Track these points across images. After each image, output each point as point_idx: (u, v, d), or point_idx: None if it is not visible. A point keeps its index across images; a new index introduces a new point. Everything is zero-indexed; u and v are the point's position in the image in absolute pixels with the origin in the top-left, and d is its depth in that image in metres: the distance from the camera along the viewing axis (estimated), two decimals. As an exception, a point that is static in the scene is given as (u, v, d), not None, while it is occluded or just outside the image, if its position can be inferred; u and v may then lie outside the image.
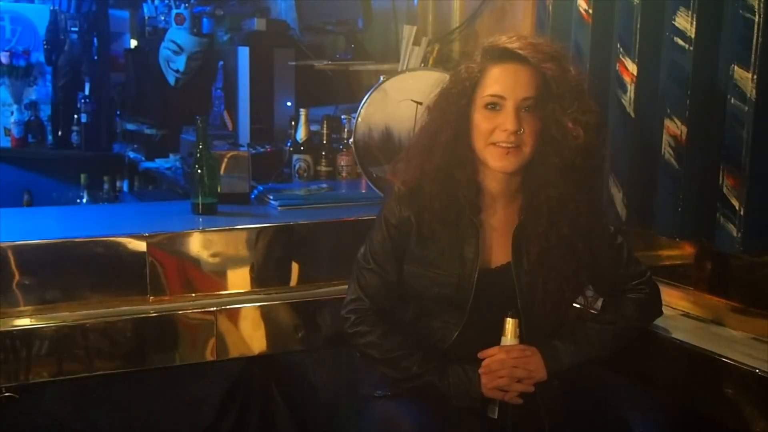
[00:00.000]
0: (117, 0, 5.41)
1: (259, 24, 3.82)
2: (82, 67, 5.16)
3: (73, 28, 5.07)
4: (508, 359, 1.70)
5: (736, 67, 1.67)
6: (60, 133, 5.23)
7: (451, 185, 1.72)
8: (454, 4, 2.99)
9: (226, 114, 3.97)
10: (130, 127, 4.92)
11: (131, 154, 4.80)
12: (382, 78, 2.59)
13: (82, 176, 4.81)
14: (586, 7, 2.10)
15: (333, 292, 2.20)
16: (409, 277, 1.78)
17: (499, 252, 1.76)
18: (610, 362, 1.83)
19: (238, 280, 2.18)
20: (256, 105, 3.73)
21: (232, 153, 2.47)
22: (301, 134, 3.01)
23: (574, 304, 1.85)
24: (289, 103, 3.74)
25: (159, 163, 4.35)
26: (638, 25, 1.93)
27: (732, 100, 1.69)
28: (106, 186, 4.95)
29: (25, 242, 1.99)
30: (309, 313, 2.20)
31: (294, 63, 3.73)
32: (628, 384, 1.94)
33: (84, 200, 4.78)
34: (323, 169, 3.01)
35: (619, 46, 1.99)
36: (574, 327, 1.79)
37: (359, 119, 2.51)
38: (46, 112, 5.35)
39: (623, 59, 1.97)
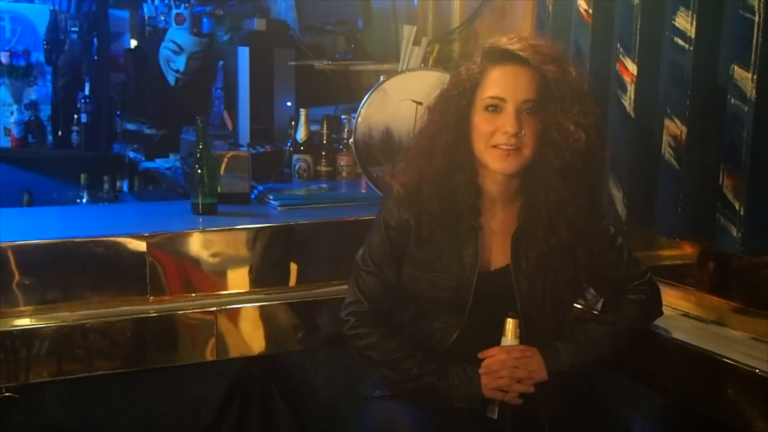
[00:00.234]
0: (117, 0, 5.41)
1: (259, 24, 3.82)
2: (82, 67, 5.15)
3: (73, 28, 5.07)
4: (509, 360, 1.70)
5: (736, 67, 1.67)
6: (60, 133, 5.23)
7: (451, 188, 1.71)
8: (454, 4, 2.98)
9: (226, 114, 3.97)
10: (130, 127, 4.92)
11: (131, 154, 4.80)
12: (382, 78, 2.59)
13: (82, 176, 4.81)
14: (586, 7, 2.10)
15: (333, 292, 2.20)
16: (408, 279, 1.78)
17: (499, 254, 1.76)
18: (610, 362, 1.83)
19: (238, 280, 2.18)
20: (256, 105, 3.73)
21: (232, 153, 2.47)
22: (301, 134, 3.01)
23: (575, 305, 1.85)
24: (289, 103, 3.74)
25: (159, 163, 4.35)
26: (638, 25, 1.93)
27: (732, 100, 1.69)
28: (106, 186, 4.95)
29: (25, 242, 1.98)
30: (309, 313, 2.20)
31: (294, 63, 3.73)
32: (628, 384, 1.94)
33: (84, 200, 4.78)
34: (323, 169, 3.01)
35: (619, 46, 1.98)
36: (574, 327, 1.79)
37: (359, 119, 2.51)
38: (46, 112, 5.35)
39: (623, 59, 1.97)
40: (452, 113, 1.69)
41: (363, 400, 1.86)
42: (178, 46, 4.09)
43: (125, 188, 4.97)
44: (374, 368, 1.80)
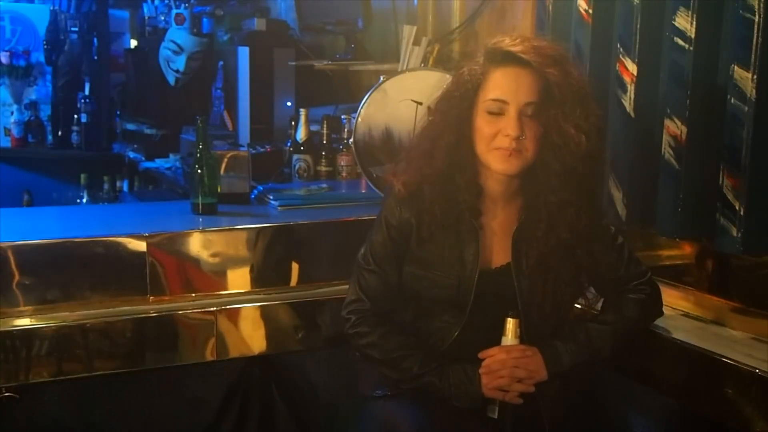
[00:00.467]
0: (117, 0, 5.41)
1: (259, 24, 3.82)
2: (82, 67, 5.15)
3: (73, 28, 5.07)
4: (509, 359, 1.70)
5: (736, 67, 1.67)
6: (60, 133, 5.22)
7: (452, 189, 1.71)
8: (454, 4, 2.98)
9: (226, 114, 3.96)
10: (130, 127, 4.91)
11: (131, 154, 4.79)
12: (382, 78, 2.59)
13: (82, 176, 4.82)
14: (586, 7, 2.10)
15: (333, 292, 2.20)
16: (409, 278, 1.78)
17: (499, 253, 1.76)
18: (610, 362, 1.83)
19: (238, 280, 2.18)
20: (256, 105, 3.73)
21: (232, 153, 2.47)
22: (301, 134, 3.01)
23: (576, 305, 1.85)
24: (289, 103, 3.74)
25: (159, 163, 4.35)
26: (638, 25, 1.93)
27: (732, 100, 1.69)
28: (106, 186, 4.95)
29: (25, 242, 1.99)
30: (309, 313, 2.20)
31: (294, 63, 3.73)
32: (628, 384, 1.94)
33: (84, 200, 4.78)
34: (323, 169, 3.01)
35: (619, 46, 1.98)
36: (574, 327, 1.79)
37: (359, 119, 2.51)
38: (46, 112, 5.34)
39: (623, 59, 1.97)
40: (454, 115, 1.69)
41: (363, 400, 1.86)
42: (178, 46, 4.09)
43: (125, 188, 4.97)
44: (374, 367, 1.80)
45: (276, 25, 3.90)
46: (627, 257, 1.81)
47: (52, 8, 5.15)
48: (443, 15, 3.04)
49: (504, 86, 1.64)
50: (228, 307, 2.11)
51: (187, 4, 4.27)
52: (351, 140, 2.59)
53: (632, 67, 1.95)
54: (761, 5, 1.62)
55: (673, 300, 2.00)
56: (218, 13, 4.34)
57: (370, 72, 3.35)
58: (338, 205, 2.54)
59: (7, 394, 1.93)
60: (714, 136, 1.76)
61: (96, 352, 1.97)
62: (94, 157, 5.12)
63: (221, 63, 4.05)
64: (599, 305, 1.86)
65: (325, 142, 3.03)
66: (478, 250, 1.73)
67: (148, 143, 4.60)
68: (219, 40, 4.36)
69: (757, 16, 1.63)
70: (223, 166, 2.41)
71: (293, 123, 3.14)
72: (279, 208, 2.42)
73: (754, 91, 1.65)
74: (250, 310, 2.14)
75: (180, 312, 2.06)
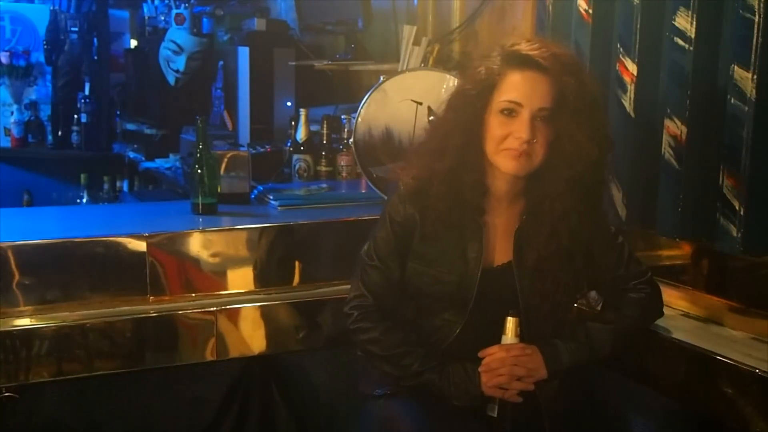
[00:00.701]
0: (117, 0, 5.41)
1: (259, 24, 3.82)
2: (82, 67, 5.15)
3: (73, 28, 5.07)
4: (508, 357, 1.70)
5: (736, 67, 1.67)
6: (60, 133, 5.22)
7: (459, 186, 1.72)
8: (454, 4, 2.98)
9: (226, 114, 3.97)
10: (130, 127, 4.92)
11: (131, 154, 4.80)
12: (382, 78, 2.59)
13: (82, 176, 4.82)
14: (586, 7, 2.10)
15: (333, 292, 2.20)
16: (412, 274, 1.78)
17: (501, 251, 1.77)
18: (610, 362, 1.83)
19: (238, 280, 2.18)
20: (256, 105, 3.73)
21: (232, 153, 2.48)
22: (301, 134, 3.01)
23: (576, 305, 1.85)
24: (289, 103, 3.74)
25: (159, 163, 4.35)
26: (638, 25, 1.93)
27: (732, 100, 1.69)
28: (106, 186, 4.95)
29: (25, 242, 1.99)
30: (309, 313, 2.20)
31: (294, 63, 3.73)
32: (628, 384, 1.94)
33: (84, 200, 4.78)
34: (323, 169, 3.01)
35: (619, 46, 1.98)
36: (574, 326, 1.79)
37: (359, 119, 2.51)
38: (46, 112, 5.35)
39: (623, 59, 1.97)
40: (468, 113, 1.69)
41: (363, 399, 1.86)
42: (178, 46, 4.09)
43: (125, 188, 4.97)
44: (375, 364, 1.80)
45: (276, 25, 3.90)
46: (627, 257, 1.81)
47: (52, 8, 5.15)
48: (443, 15, 3.04)
49: (520, 89, 1.65)
50: (228, 307, 2.11)
51: (187, 4, 4.27)
52: (351, 140, 2.59)
53: (632, 67, 1.95)
54: (761, 5, 1.62)
55: (673, 300, 2.00)
56: (218, 13, 4.34)
57: (370, 72, 3.35)
58: (338, 205, 2.54)
59: (7, 394, 1.93)
60: (714, 136, 1.76)
61: (96, 352, 1.97)
62: (94, 157, 5.12)
63: (221, 63, 4.05)
64: (600, 306, 1.86)
65: (325, 142, 3.03)
66: (481, 247, 1.74)
67: (148, 143, 4.61)
68: (219, 40, 4.36)
69: (757, 16, 1.63)
70: (223, 166, 2.42)
71: (293, 123, 3.14)
72: (279, 208, 2.42)
73: (754, 91, 1.65)
74: (250, 310, 2.14)
75: (180, 312, 2.06)
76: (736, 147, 1.69)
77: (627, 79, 1.97)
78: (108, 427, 2.19)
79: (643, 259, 1.87)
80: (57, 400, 2.12)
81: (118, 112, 5.25)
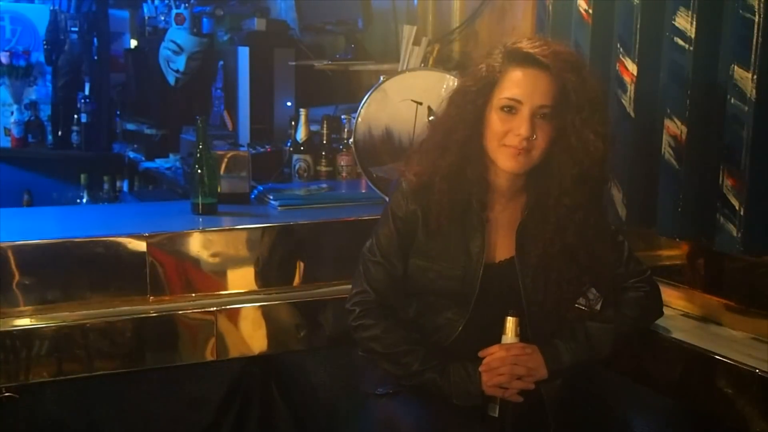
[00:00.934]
0: (117, 0, 5.41)
1: (259, 24, 3.82)
2: (82, 67, 5.16)
3: (73, 28, 5.07)
4: (508, 356, 1.70)
5: (736, 67, 1.67)
6: (60, 133, 5.23)
7: (462, 182, 1.73)
8: (454, 4, 2.98)
9: (226, 114, 3.97)
10: (130, 127, 4.92)
11: (131, 154, 4.80)
12: (382, 78, 2.59)
13: (82, 176, 4.82)
14: (586, 7, 2.10)
15: (333, 292, 2.20)
16: (415, 270, 1.79)
17: (503, 247, 1.77)
18: (610, 362, 1.83)
19: (238, 280, 2.18)
20: (256, 105, 3.73)
21: (232, 153, 2.48)
22: (301, 134, 3.01)
23: (576, 305, 1.85)
24: (289, 103, 3.74)
25: (159, 163, 4.36)
26: (638, 25, 1.93)
27: (732, 100, 1.69)
28: (106, 186, 4.95)
29: (25, 242, 1.99)
30: (309, 313, 2.20)
31: (294, 63, 3.73)
32: (628, 384, 1.94)
33: (84, 200, 4.78)
34: (323, 169, 3.01)
35: (619, 46, 1.98)
36: (574, 326, 1.79)
37: (359, 119, 2.51)
38: (46, 112, 5.35)
39: (623, 59, 1.97)
40: (469, 110, 1.70)
41: (364, 398, 1.86)
42: (178, 46, 4.09)
43: (125, 188, 4.97)
44: (376, 362, 1.80)
45: (276, 25, 3.90)
46: (627, 255, 1.82)
47: (52, 8, 5.15)
48: (443, 15, 3.04)
49: (520, 86, 1.65)
50: (228, 307, 2.12)
51: (187, 4, 4.27)
52: (351, 140, 2.59)
53: (632, 67, 1.95)
54: (761, 5, 1.62)
55: (673, 300, 2.00)
56: (218, 13, 4.35)
57: (370, 72, 3.35)
58: (338, 205, 2.54)
59: (7, 394, 1.93)
60: (714, 136, 1.76)
61: (96, 352, 1.97)
62: (94, 157, 5.12)
63: (221, 63, 4.05)
64: (599, 305, 1.86)
65: (325, 142, 3.03)
66: (483, 242, 1.74)
67: (148, 143, 4.61)
68: (219, 40, 4.36)
69: (757, 16, 1.63)
70: (223, 166, 2.42)
71: (293, 123, 3.14)
72: (279, 208, 2.42)
73: (754, 91, 1.65)
74: (250, 310, 2.14)
75: (180, 312, 2.06)
76: (736, 147, 1.69)
77: (627, 79, 1.97)
78: (108, 427, 2.19)
79: (642, 258, 1.87)
80: (57, 400, 2.12)
81: (118, 112, 5.25)
